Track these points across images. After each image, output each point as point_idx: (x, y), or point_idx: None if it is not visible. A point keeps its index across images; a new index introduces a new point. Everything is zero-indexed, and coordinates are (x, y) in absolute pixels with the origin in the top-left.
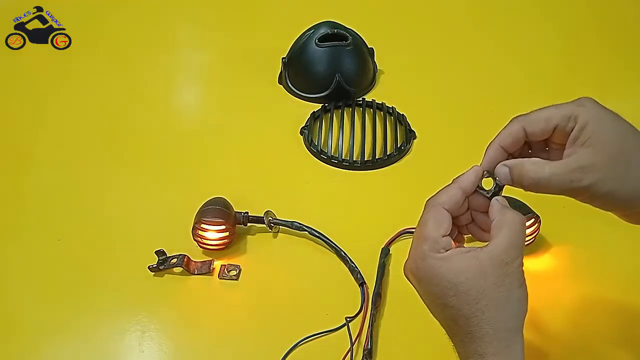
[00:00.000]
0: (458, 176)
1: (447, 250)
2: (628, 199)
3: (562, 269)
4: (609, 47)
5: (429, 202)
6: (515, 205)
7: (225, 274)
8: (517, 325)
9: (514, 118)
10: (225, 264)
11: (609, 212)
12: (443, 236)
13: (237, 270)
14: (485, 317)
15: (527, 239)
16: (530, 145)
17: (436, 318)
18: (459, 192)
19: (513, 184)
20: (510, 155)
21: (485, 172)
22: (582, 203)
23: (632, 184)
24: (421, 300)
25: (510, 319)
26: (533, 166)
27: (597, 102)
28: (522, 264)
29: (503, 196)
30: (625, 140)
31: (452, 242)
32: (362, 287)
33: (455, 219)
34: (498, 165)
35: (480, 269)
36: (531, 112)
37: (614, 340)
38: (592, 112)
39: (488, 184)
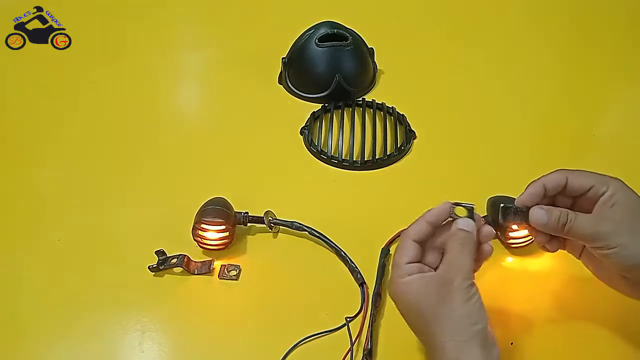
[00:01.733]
0: (428, 210)
1: (409, 275)
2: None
3: (562, 269)
4: (611, 45)
5: (402, 233)
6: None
7: (225, 274)
8: (466, 339)
9: (558, 170)
10: (225, 264)
11: None
12: (407, 263)
13: (237, 270)
14: (431, 330)
15: (527, 239)
16: (558, 200)
17: None
18: (425, 225)
19: (544, 227)
20: (545, 199)
21: (452, 205)
22: None
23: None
24: None
25: (457, 333)
26: (567, 214)
27: (624, 182)
28: (465, 282)
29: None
30: None
31: (418, 267)
32: (362, 287)
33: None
34: (534, 208)
35: (427, 289)
36: (574, 169)
37: (615, 340)
38: (621, 186)
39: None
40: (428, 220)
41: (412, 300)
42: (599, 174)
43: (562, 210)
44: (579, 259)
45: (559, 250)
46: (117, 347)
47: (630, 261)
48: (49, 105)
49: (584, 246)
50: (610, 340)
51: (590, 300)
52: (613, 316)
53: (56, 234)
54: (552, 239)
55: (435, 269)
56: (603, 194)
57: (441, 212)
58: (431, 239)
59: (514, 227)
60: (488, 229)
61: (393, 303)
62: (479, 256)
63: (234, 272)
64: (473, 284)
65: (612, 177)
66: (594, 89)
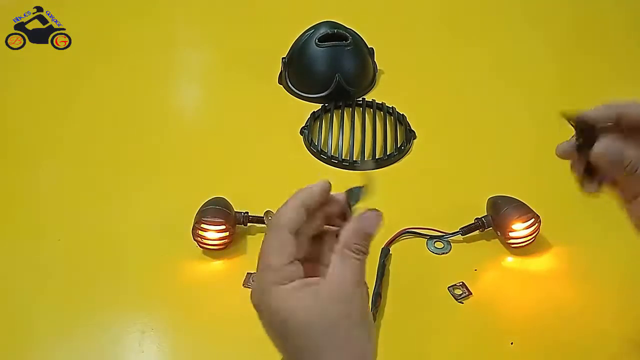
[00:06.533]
0: (301, 190)
1: (291, 282)
2: None
3: (562, 269)
4: (612, 46)
5: (271, 222)
6: (515, 205)
7: (250, 283)
8: None
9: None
10: (252, 272)
11: (608, 213)
12: (287, 264)
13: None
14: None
15: (527, 239)
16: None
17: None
18: (301, 210)
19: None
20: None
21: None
22: (581, 205)
23: None
24: (421, 301)
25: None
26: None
27: None
28: (363, 289)
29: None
30: None
31: (298, 271)
32: None
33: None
34: (606, 140)
35: (322, 306)
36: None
37: (614, 340)
38: None
39: None
40: (306, 203)
41: (301, 319)
42: None
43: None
44: (628, 204)
45: (558, 249)
46: (117, 347)
47: None
48: (49, 105)
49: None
50: (609, 339)
51: (590, 301)
52: (613, 316)
53: (56, 234)
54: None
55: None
56: None
57: (322, 192)
58: (304, 226)
59: (514, 227)
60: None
61: (394, 301)
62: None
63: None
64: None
65: None
66: (595, 88)
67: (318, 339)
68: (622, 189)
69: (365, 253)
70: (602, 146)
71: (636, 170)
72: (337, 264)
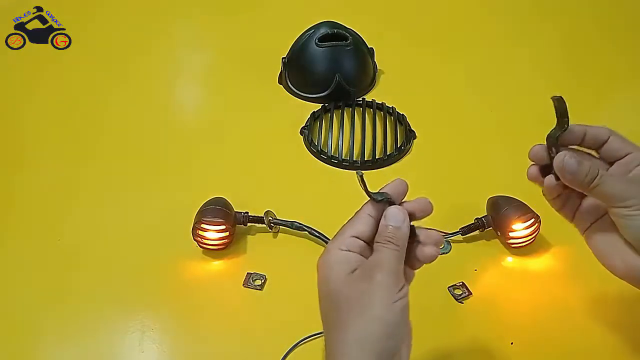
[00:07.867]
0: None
1: (347, 251)
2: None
3: (562, 269)
4: (611, 46)
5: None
6: (515, 205)
7: (250, 283)
8: (366, 354)
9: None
10: (252, 272)
11: None
12: (352, 236)
13: (263, 280)
14: (336, 331)
15: (527, 238)
16: None
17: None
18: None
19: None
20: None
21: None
22: None
23: None
24: (421, 301)
25: (359, 343)
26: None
27: None
28: (390, 278)
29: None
30: None
31: (361, 248)
32: None
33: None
34: (564, 153)
35: (351, 277)
36: None
37: (614, 340)
38: None
39: None
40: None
41: (333, 279)
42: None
43: (594, 161)
44: (582, 233)
45: (558, 249)
46: (117, 347)
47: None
48: (49, 106)
49: (592, 222)
50: (610, 340)
51: (590, 300)
52: (613, 316)
53: (56, 234)
54: (565, 205)
55: None
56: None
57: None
58: None
59: (514, 227)
60: (433, 234)
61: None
62: (417, 256)
63: (258, 282)
64: (402, 287)
65: None
66: (595, 89)
67: (339, 305)
68: (578, 220)
69: (394, 243)
70: (560, 160)
71: (593, 179)
72: (373, 253)
